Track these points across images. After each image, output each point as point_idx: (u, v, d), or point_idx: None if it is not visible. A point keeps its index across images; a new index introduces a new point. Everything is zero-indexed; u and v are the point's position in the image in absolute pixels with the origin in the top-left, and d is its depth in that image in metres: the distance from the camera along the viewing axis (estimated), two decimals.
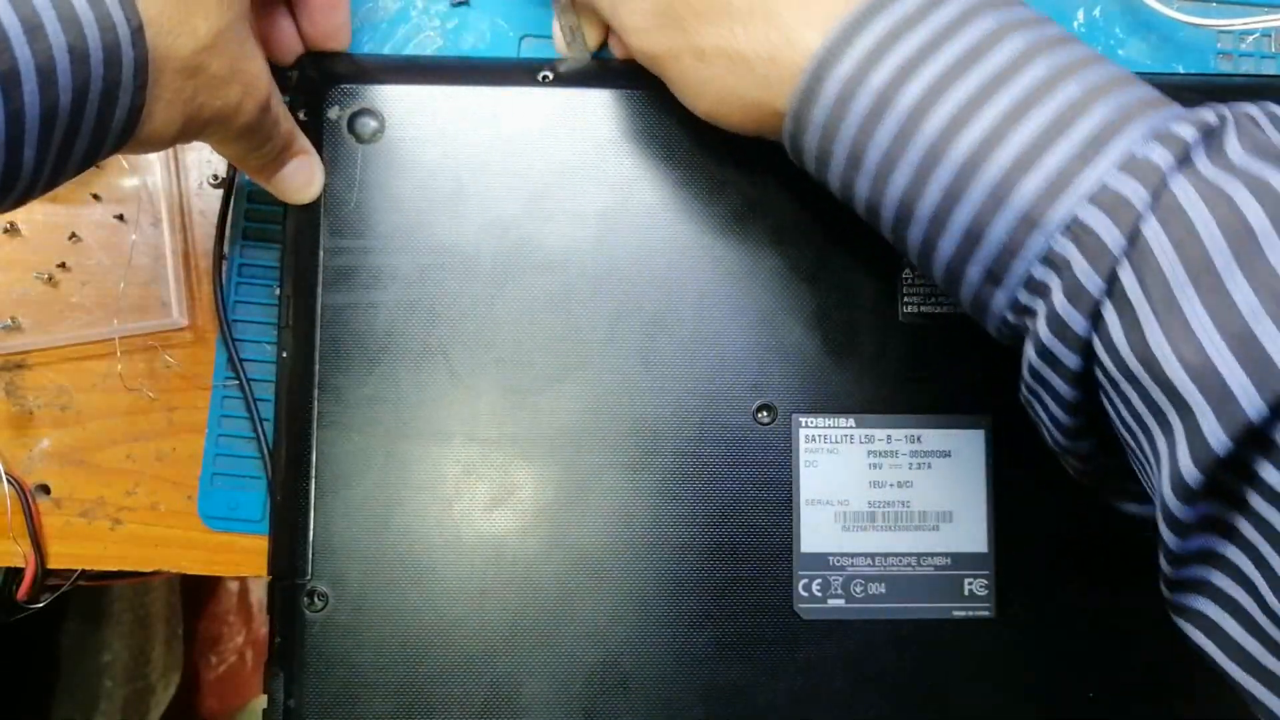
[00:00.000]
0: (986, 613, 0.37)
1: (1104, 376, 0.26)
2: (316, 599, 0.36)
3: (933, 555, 0.37)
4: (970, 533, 0.37)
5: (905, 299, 0.38)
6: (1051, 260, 0.26)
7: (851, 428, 0.38)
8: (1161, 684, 0.37)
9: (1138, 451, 0.27)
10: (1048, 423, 0.29)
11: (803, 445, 0.38)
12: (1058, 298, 0.26)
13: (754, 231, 0.38)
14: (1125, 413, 0.26)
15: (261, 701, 0.36)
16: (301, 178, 0.38)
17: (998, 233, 0.27)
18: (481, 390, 0.37)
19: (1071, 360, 0.26)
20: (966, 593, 0.37)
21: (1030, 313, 0.27)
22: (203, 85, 0.31)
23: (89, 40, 0.27)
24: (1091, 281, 0.25)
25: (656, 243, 0.38)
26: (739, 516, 0.37)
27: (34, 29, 0.26)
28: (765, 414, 0.38)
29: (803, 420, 0.38)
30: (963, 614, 0.37)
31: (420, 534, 0.37)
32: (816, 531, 0.37)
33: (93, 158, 0.30)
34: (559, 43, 0.40)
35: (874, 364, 0.38)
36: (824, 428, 0.38)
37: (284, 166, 0.37)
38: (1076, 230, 0.25)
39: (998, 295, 0.28)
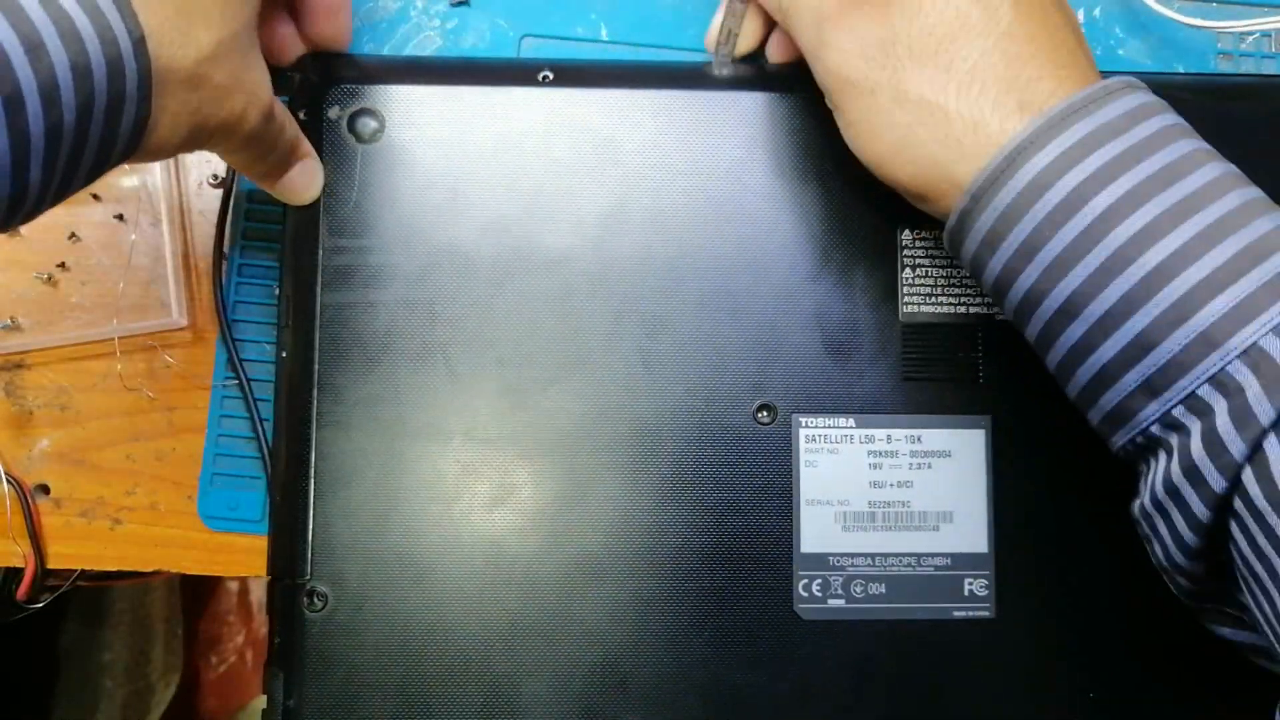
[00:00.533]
0: (986, 613, 0.37)
1: (1245, 505, 0.27)
2: (316, 599, 0.36)
3: (933, 555, 0.37)
4: (970, 533, 0.37)
5: (905, 299, 0.38)
6: (1222, 383, 0.27)
7: (851, 428, 0.38)
8: (1161, 684, 0.37)
9: (1267, 583, 0.27)
10: (1168, 541, 0.30)
11: (803, 445, 0.38)
12: (1221, 419, 0.26)
13: (754, 231, 0.38)
14: (1265, 544, 0.26)
15: (261, 701, 0.36)
16: (303, 181, 0.38)
17: (1171, 346, 0.27)
18: (481, 390, 0.37)
19: (1218, 484, 0.27)
20: (966, 593, 0.37)
21: (1181, 429, 0.28)
22: (207, 96, 0.31)
23: (91, 55, 0.27)
24: (1262, 409, 0.26)
25: (656, 243, 0.38)
26: (739, 516, 0.37)
27: (35, 47, 0.25)
28: (765, 414, 0.37)
29: (803, 420, 0.38)
30: (962, 614, 0.37)
31: (420, 534, 0.37)
32: (816, 532, 0.37)
33: (100, 170, 0.30)
34: (710, 40, 0.40)
35: (874, 364, 0.38)
36: (824, 428, 0.38)
37: (288, 171, 0.37)
38: (1256, 357, 0.26)
39: (1150, 406, 0.29)
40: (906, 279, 0.38)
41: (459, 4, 0.44)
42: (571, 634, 0.37)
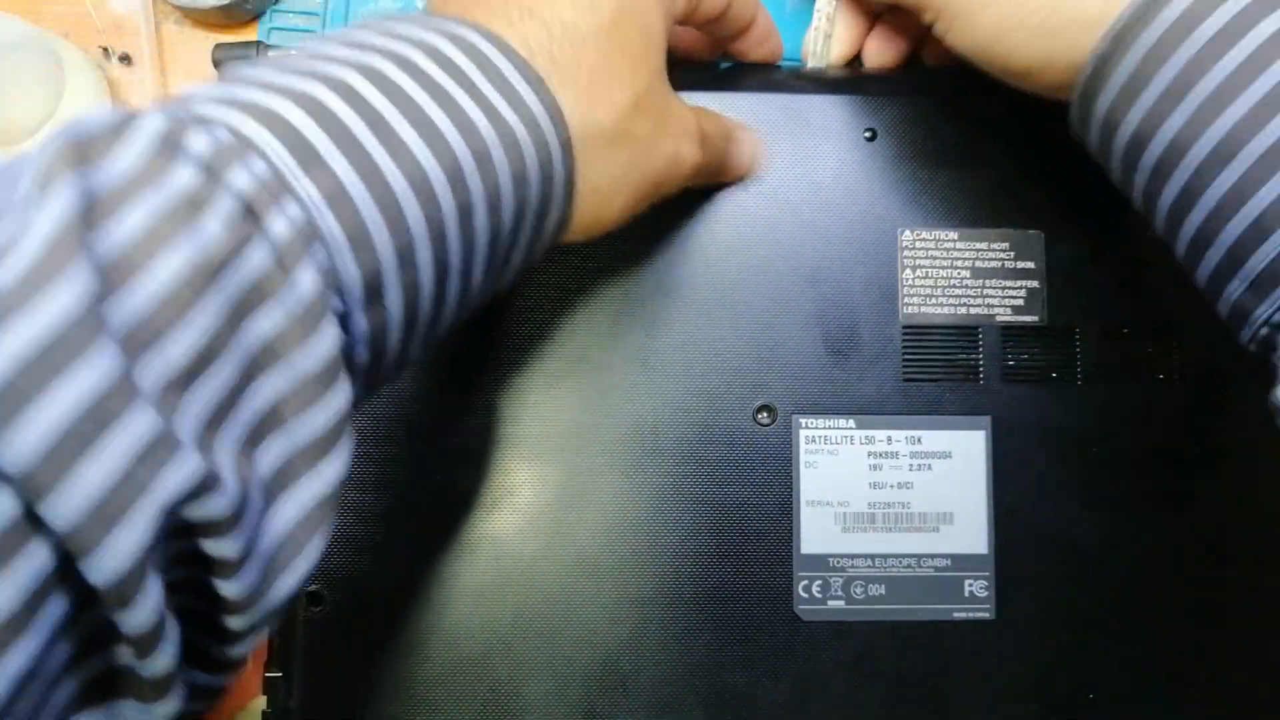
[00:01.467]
0: (986, 614, 0.37)
1: None
2: (315, 600, 0.36)
3: (933, 556, 0.37)
4: (970, 534, 0.37)
5: (905, 300, 0.38)
6: None
7: (851, 429, 0.38)
8: (1162, 686, 0.37)
9: None
10: None
11: (803, 446, 0.37)
12: None
13: (754, 231, 0.38)
14: None
15: (261, 702, 0.36)
16: (742, 162, 0.37)
17: None
18: (481, 389, 0.37)
19: None
20: (967, 594, 0.37)
21: None
22: (638, 150, 0.31)
23: (528, 163, 0.27)
24: None
25: (656, 242, 0.38)
26: (739, 517, 0.37)
27: (483, 160, 0.26)
28: (765, 415, 0.37)
29: (803, 421, 0.38)
30: (963, 615, 0.37)
31: (420, 535, 0.37)
32: (816, 533, 0.37)
33: (524, 266, 0.30)
34: (807, 45, 0.40)
35: (874, 365, 0.38)
36: (824, 429, 0.38)
37: (728, 160, 0.37)
38: None
39: None
40: (906, 280, 0.38)
41: None
42: (571, 634, 0.36)
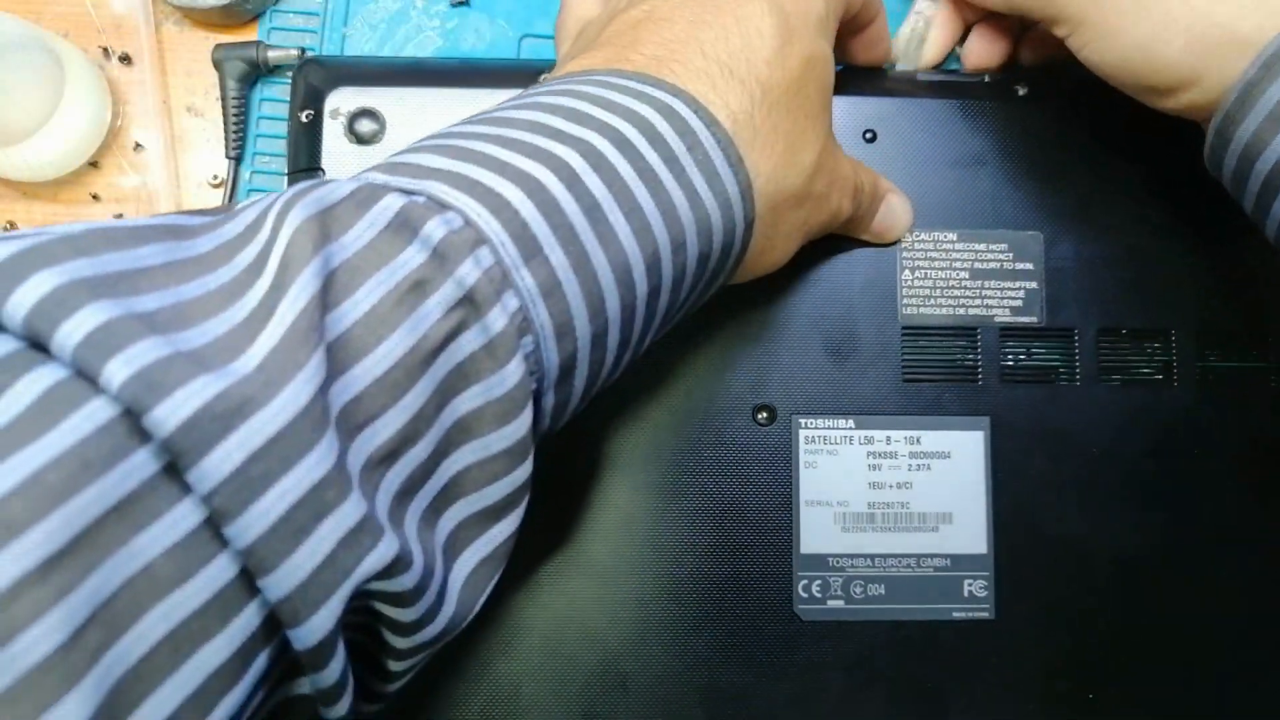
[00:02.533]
0: (986, 614, 0.37)
1: None
2: None
3: (932, 556, 0.37)
4: (969, 534, 0.37)
5: (904, 301, 0.38)
6: None
7: (851, 429, 0.38)
8: (1161, 686, 0.37)
9: None
10: None
11: (802, 446, 0.38)
12: None
13: None
14: None
15: None
16: (888, 223, 0.37)
17: None
18: None
19: None
20: (966, 594, 0.37)
21: None
22: (812, 207, 0.31)
23: (714, 244, 0.27)
24: None
25: None
26: (738, 517, 0.37)
27: (679, 246, 0.26)
28: (765, 415, 0.38)
29: (802, 421, 0.38)
30: (962, 615, 0.37)
31: None
32: (816, 533, 0.37)
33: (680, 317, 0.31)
34: (898, 46, 0.40)
35: (873, 365, 0.38)
36: (823, 429, 0.38)
37: (874, 218, 0.37)
38: None
39: None
40: (906, 281, 0.38)
41: (459, 4, 0.44)
42: (571, 634, 0.36)
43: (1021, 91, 0.39)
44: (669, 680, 0.36)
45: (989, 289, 0.38)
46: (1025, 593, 0.37)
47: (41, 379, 0.17)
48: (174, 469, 0.18)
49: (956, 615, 0.37)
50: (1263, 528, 0.38)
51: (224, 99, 0.44)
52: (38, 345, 0.18)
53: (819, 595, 0.37)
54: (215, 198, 0.44)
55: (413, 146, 0.26)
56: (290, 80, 0.39)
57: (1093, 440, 0.38)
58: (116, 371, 0.17)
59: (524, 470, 0.25)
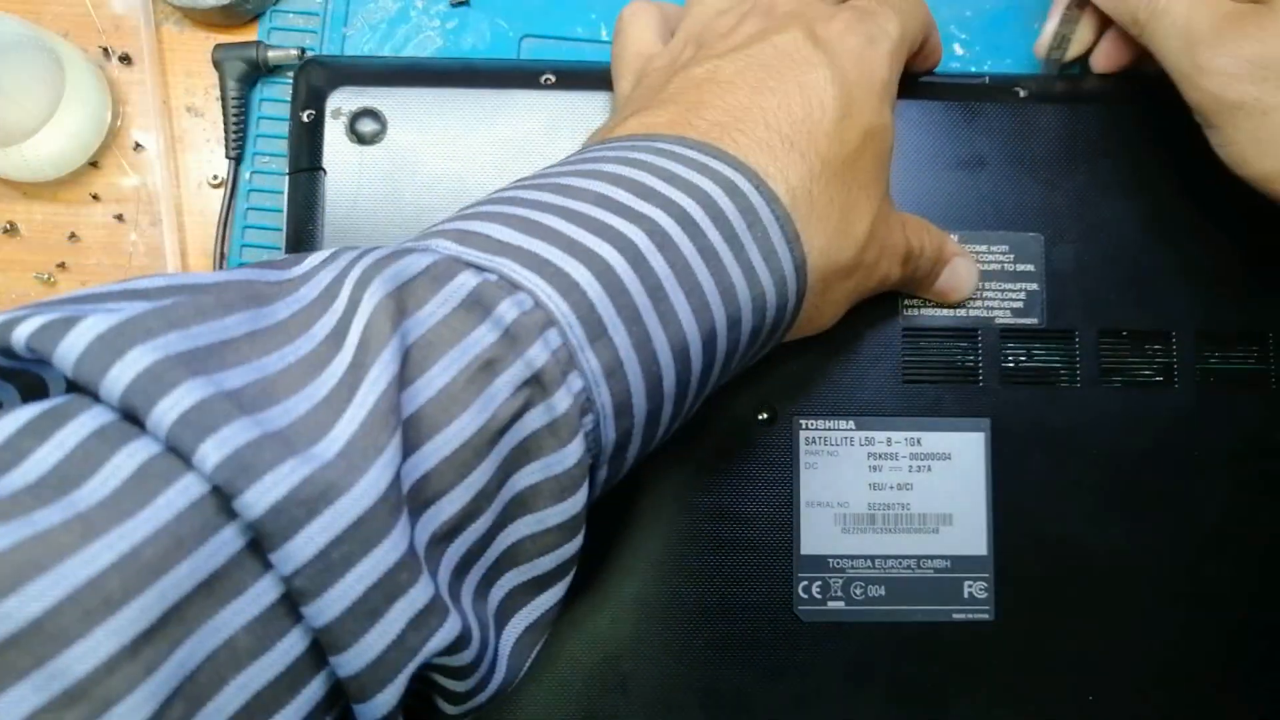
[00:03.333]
0: (986, 615, 0.37)
1: None
2: None
3: (932, 558, 0.37)
4: (970, 535, 0.37)
5: (905, 302, 0.38)
6: None
7: (851, 430, 0.38)
8: (1161, 688, 0.37)
9: None
10: None
11: (803, 447, 0.38)
12: None
13: None
14: None
15: None
16: (951, 285, 0.37)
17: None
18: None
19: None
20: (966, 595, 0.37)
21: None
22: (861, 276, 0.32)
23: (767, 319, 0.28)
24: None
25: None
26: (739, 518, 0.37)
27: (734, 324, 0.26)
28: (765, 416, 0.37)
29: (803, 423, 0.38)
30: (962, 617, 0.37)
31: None
32: (816, 534, 0.37)
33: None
34: (1041, 47, 0.40)
35: (874, 367, 0.38)
36: (824, 430, 0.38)
37: (938, 280, 0.37)
38: None
39: None
40: None
41: (459, 4, 0.44)
42: (572, 635, 0.36)
43: (1022, 93, 0.39)
44: (669, 681, 0.36)
45: (989, 290, 0.38)
46: (1025, 594, 0.37)
47: (137, 453, 0.18)
48: (256, 546, 0.18)
49: (956, 617, 0.37)
50: (1263, 529, 0.38)
51: (224, 99, 0.43)
52: (132, 418, 0.18)
53: (819, 596, 0.37)
54: (215, 198, 0.44)
55: (476, 212, 0.26)
56: (290, 80, 0.39)
57: (1093, 442, 0.38)
58: (210, 453, 0.18)
59: (575, 544, 0.25)
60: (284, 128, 0.42)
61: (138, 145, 0.44)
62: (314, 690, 0.20)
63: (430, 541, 0.21)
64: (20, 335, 0.19)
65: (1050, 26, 0.40)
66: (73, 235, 0.43)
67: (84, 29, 0.44)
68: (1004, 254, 0.38)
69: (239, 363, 0.20)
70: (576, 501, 0.24)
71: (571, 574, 0.26)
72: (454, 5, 0.44)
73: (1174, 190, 0.39)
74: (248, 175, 0.44)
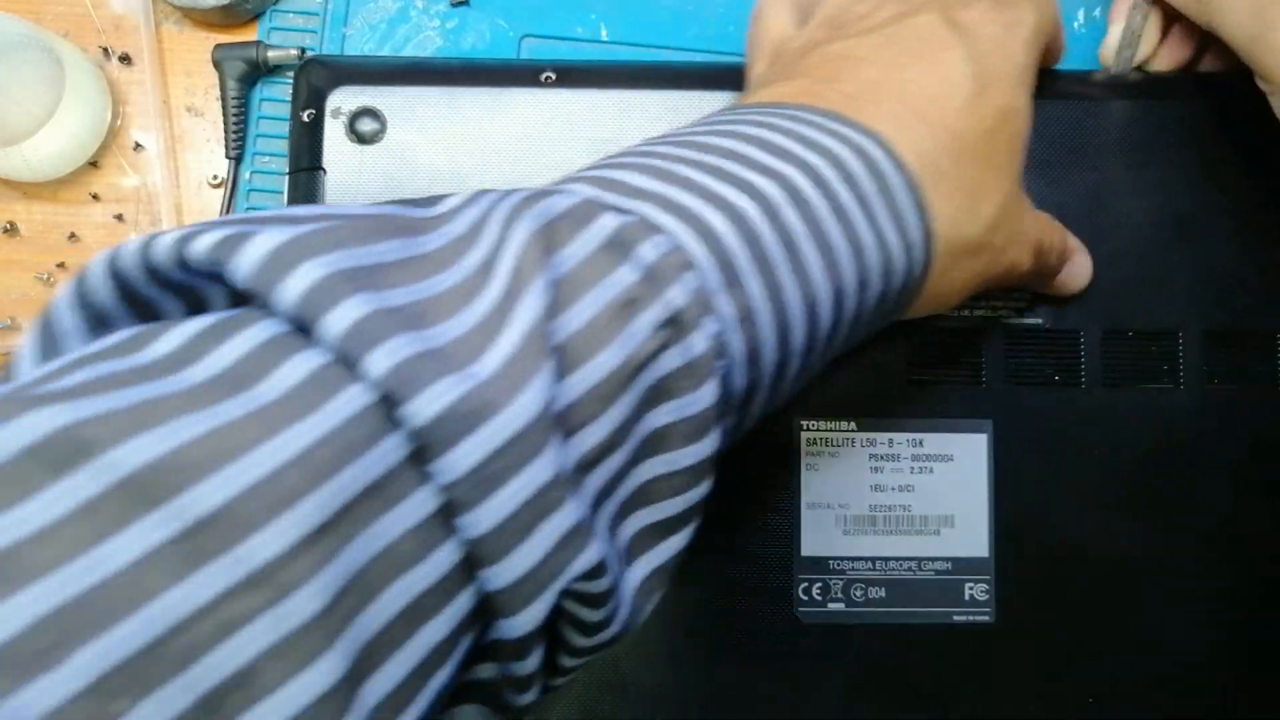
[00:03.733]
0: (987, 618, 0.37)
1: None
2: None
3: (933, 560, 0.37)
4: (971, 537, 0.37)
5: None
6: None
7: (853, 431, 0.37)
8: (1161, 690, 0.37)
9: None
10: None
11: (804, 448, 0.37)
12: None
13: None
14: None
15: None
16: (1070, 280, 0.37)
17: None
18: None
19: None
20: (967, 598, 0.37)
21: None
22: (988, 259, 0.31)
23: (892, 285, 0.28)
24: None
25: None
26: (739, 519, 0.37)
27: (863, 285, 0.27)
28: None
29: (804, 423, 0.37)
30: (963, 619, 0.37)
31: None
32: (817, 535, 0.37)
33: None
34: (1108, 50, 0.40)
35: (876, 367, 0.38)
36: (825, 431, 0.37)
37: (1054, 279, 0.37)
38: None
39: None
40: None
41: (459, 4, 0.44)
42: None
43: None
44: (668, 682, 0.36)
45: (994, 290, 0.38)
46: (1026, 597, 0.37)
47: (308, 361, 0.19)
48: (416, 457, 0.19)
49: (957, 619, 0.37)
50: (1268, 533, 0.37)
51: (224, 99, 0.44)
52: (302, 331, 0.19)
53: (819, 598, 0.37)
54: (215, 198, 0.44)
55: (612, 162, 0.27)
56: (290, 80, 0.39)
57: (1097, 443, 0.37)
58: (378, 362, 0.19)
59: (703, 488, 0.25)
60: (284, 128, 0.42)
61: (138, 145, 0.44)
62: (464, 601, 0.21)
63: (578, 467, 0.22)
64: (199, 247, 0.20)
65: (1117, 29, 0.39)
66: (73, 235, 0.43)
67: (84, 29, 0.44)
68: None
69: (397, 285, 0.21)
70: (707, 445, 0.24)
71: (697, 522, 0.26)
72: (454, 5, 0.44)
73: (1182, 190, 0.38)
74: (248, 175, 0.44)
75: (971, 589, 0.37)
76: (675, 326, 0.23)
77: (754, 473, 0.37)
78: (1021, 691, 0.37)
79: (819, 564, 0.37)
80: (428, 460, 0.19)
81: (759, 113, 0.28)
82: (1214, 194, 0.38)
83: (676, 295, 0.23)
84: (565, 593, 0.22)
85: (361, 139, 0.38)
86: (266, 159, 0.44)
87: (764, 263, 0.25)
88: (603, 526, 0.23)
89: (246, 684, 0.17)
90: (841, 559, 0.37)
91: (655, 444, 0.24)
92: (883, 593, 0.37)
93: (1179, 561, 0.37)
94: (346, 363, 0.19)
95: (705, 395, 0.24)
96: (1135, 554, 0.37)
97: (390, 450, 0.19)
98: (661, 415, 0.24)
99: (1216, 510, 0.37)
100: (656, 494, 0.25)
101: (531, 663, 0.22)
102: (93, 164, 0.44)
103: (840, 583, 0.37)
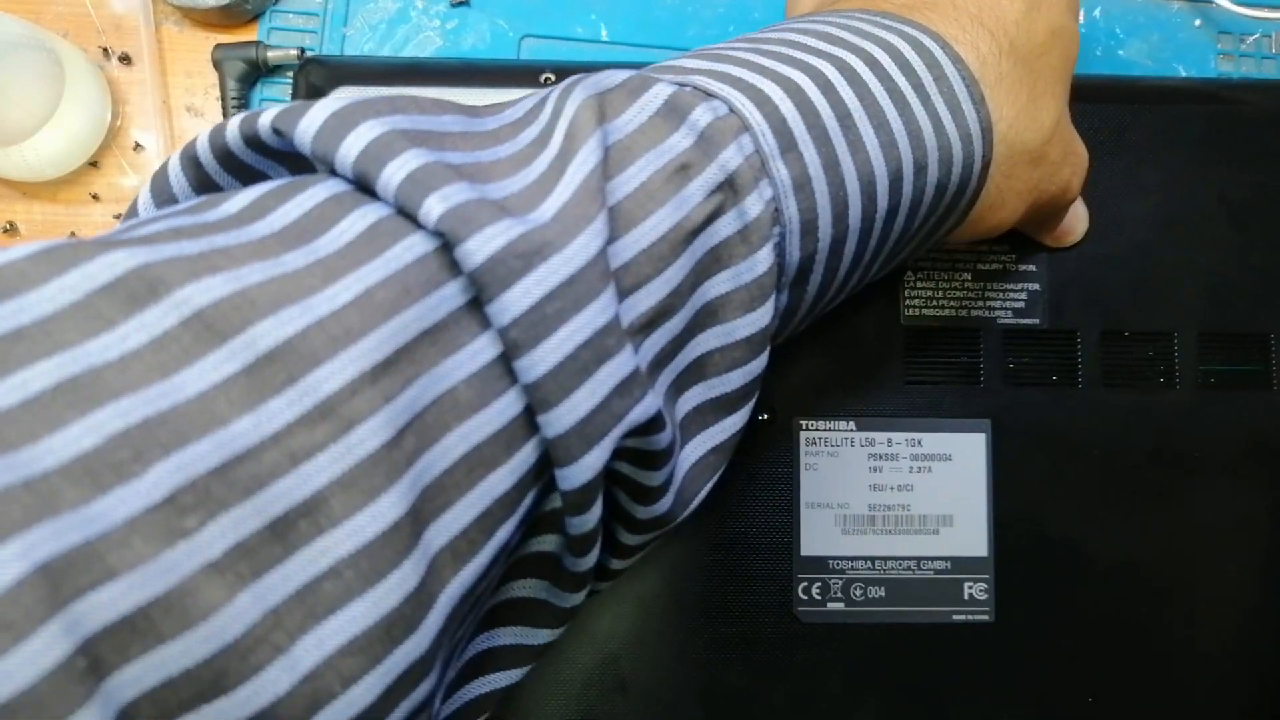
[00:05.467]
0: (986, 617, 0.37)
1: None
2: None
3: (932, 559, 0.37)
4: (970, 537, 0.37)
5: (907, 302, 0.38)
6: None
7: (852, 431, 0.38)
8: (1160, 690, 0.37)
9: None
10: None
11: (803, 448, 0.37)
12: None
13: None
14: None
15: None
16: (1070, 226, 0.38)
17: None
18: None
19: None
20: (966, 597, 0.37)
21: None
22: (1045, 172, 0.31)
23: (953, 176, 0.28)
24: None
25: None
26: (739, 519, 0.37)
27: (920, 169, 0.27)
28: (765, 416, 0.37)
29: (803, 423, 0.37)
30: (962, 618, 0.37)
31: None
32: (816, 535, 0.37)
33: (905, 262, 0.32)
34: None
35: (875, 367, 0.38)
36: (824, 430, 0.37)
37: (1062, 222, 0.37)
38: None
39: None
40: (908, 281, 0.38)
41: (459, 4, 0.44)
42: (570, 636, 0.36)
43: None
44: (668, 681, 0.36)
45: (991, 290, 0.38)
46: (1025, 596, 0.37)
47: (369, 214, 0.20)
48: (476, 305, 0.20)
49: (956, 618, 0.37)
50: (1264, 532, 0.37)
51: (224, 99, 0.43)
52: (365, 188, 0.20)
53: (819, 597, 0.37)
54: None
55: (664, 63, 0.27)
56: (290, 80, 0.39)
57: (1094, 443, 0.37)
58: (435, 206, 0.19)
59: (760, 362, 0.26)
60: None
61: (138, 145, 0.44)
62: (527, 454, 0.21)
63: (632, 328, 0.22)
64: (265, 120, 0.21)
65: None
66: (73, 235, 0.43)
67: (84, 29, 0.44)
68: (1006, 254, 0.38)
69: (457, 148, 0.21)
70: (763, 314, 0.24)
71: (752, 403, 0.26)
72: (454, 5, 0.44)
73: (1180, 192, 0.38)
74: None
75: (971, 588, 0.37)
76: (730, 189, 0.23)
77: (753, 473, 0.37)
78: (1020, 691, 0.37)
79: (818, 564, 0.37)
80: (486, 301, 0.19)
81: (813, 19, 0.29)
82: (1210, 196, 0.38)
83: (731, 157, 0.23)
84: (623, 452, 0.22)
85: None
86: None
87: (820, 132, 0.25)
88: (660, 390, 0.23)
89: (314, 512, 0.17)
90: (841, 558, 0.37)
91: (713, 313, 0.24)
92: (882, 592, 0.37)
93: (1176, 560, 0.37)
94: (406, 211, 0.20)
95: (761, 260, 0.24)
96: (1133, 553, 0.37)
97: (450, 295, 0.19)
98: (719, 284, 0.24)
99: (1213, 509, 0.37)
100: (713, 366, 0.25)
101: (591, 518, 0.22)
102: (93, 164, 0.44)
103: (840, 582, 0.37)
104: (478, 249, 0.19)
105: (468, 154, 0.22)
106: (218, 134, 0.22)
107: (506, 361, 0.20)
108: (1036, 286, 0.38)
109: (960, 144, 0.27)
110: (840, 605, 0.37)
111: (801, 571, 0.37)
